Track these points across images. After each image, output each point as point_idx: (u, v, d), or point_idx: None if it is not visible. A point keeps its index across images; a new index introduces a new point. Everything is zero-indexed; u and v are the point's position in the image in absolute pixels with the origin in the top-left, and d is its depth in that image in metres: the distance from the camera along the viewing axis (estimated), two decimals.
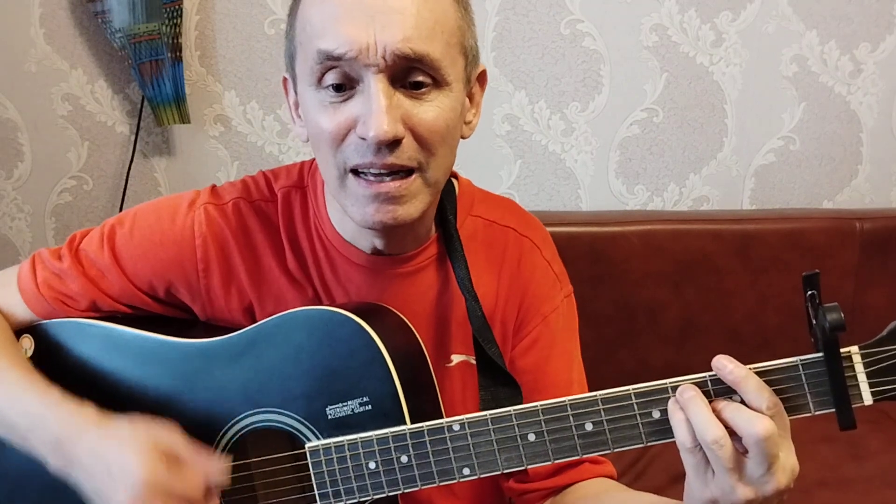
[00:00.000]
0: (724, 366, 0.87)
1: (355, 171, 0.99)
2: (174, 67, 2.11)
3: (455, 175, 1.22)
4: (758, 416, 0.83)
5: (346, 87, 0.96)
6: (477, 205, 1.22)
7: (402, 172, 0.99)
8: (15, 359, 1.09)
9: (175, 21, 2.08)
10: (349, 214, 1.04)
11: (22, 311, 1.15)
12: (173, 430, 0.99)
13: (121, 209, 2.23)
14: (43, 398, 1.03)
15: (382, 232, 1.08)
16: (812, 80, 2.24)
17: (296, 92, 1.06)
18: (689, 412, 0.86)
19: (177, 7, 2.07)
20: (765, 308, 2.13)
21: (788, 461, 0.85)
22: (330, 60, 0.95)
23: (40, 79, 2.18)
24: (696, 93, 2.23)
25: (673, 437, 0.89)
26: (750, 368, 0.88)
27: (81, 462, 0.97)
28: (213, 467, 0.98)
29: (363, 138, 0.95)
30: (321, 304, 1.15)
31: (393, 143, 0.95)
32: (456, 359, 1.17)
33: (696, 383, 0.89)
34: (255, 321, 1.14)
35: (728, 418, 0.85)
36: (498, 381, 1.09)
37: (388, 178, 0.98)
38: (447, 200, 1.17)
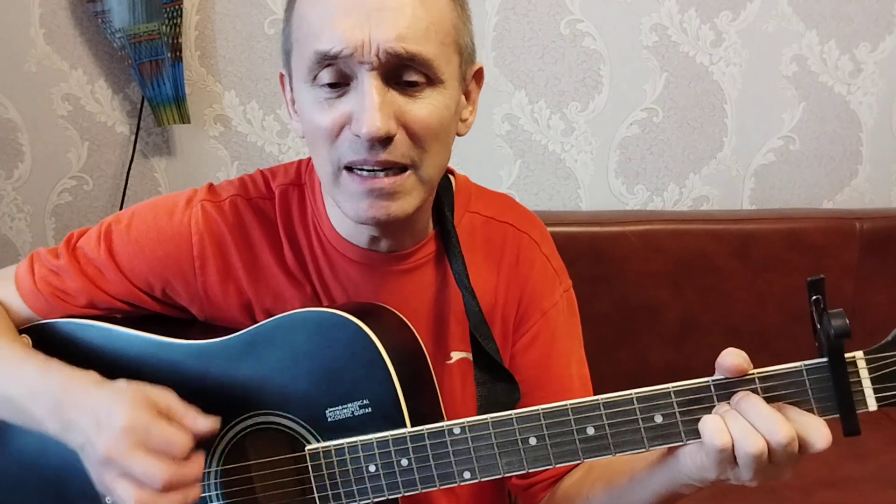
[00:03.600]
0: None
1: (349, 168, 0.99)
2: (174, 67, 2.11)
3: (451, 171, 1.22)
4: (781, 421, 0.84)
5: (340, 84, 0.97)
6: (474, 201, 1.22)
7: (396, 168, 0.99)
8: (14, 339, 1.10)
9: (175, 21, 2.07)
10: (343, 210, 1.04)
11: (19, 308, 1.15)
12: (169, 391, 0.99)
13: (121, 209, 2.23)
14: (43, 368, 1.03)
15: (377, 228, 1.08)
16: (812, 80, 2.24)
17: (292, 88, 1.06)
18: (733, 421, 0.86)
19: (177, 7, 2.06)
20: (765, 308, 2.13)
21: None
22: (326, 59, 0.95)
23: (40, 79, 2.18)
24: (696, 93, 2.23)
25: (675, 441, 0.89)
26: (754, 373, 0.88)
27: (77, 417, 0.97)
28: (202, 425, 0.97)
29: (357, 135, 0.95)
30: (320, 301, 1.15)
31: (386, 140, 0.96)
32: (455, 356, 1.17)
33: (698, 387, 0.89)
34: (253, 319, 1.14)
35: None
36: (495, 377, 1.09)
37: (381, 174, 0.98)
38: (444, 197, 1.17)
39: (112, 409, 0.94)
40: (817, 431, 0.84)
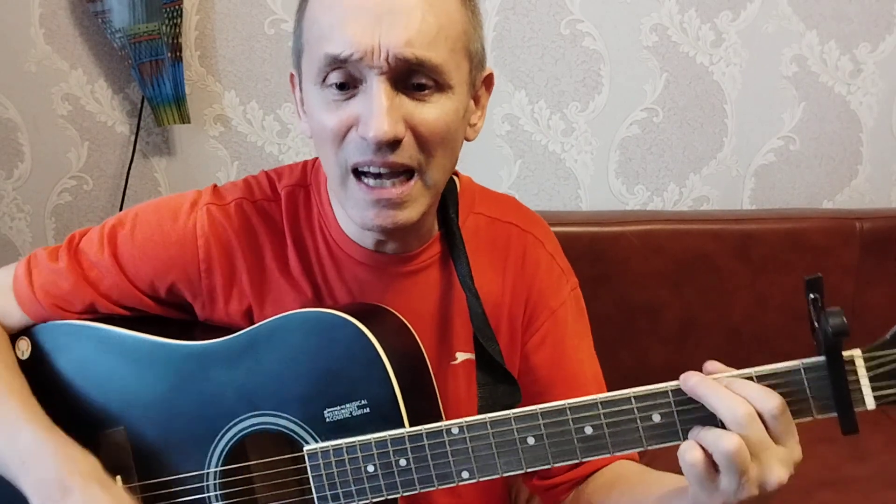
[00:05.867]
0: (687, 379, 0.88)
1: (356, 172, 1.00)
2: (174, 67, 2.11)
3: (455, 173, 1.22)
4: (725, 434, 0.84)
5: (349, 85, 0.97)
6: (478, 202, 1.22)
7: (403, 174, 0.99)
8: (12, 387, 1.09)
9: (175, 21, 2.07)
10: (349, 216, 1.05)
11: (18, 315, 1.15)
12: None
13: (121, 209, 2.23)
14: (44, 437, 1.03)
15: (383, 234, 1.08)
16: (812, 80, 2.23)
17: (301, 89, 1.07)
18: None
19: (177, 7, 2.06)
20: (765, 308, 2.12)
21: (794, 454, 0.86)
22: (336, 62, 0.95)
23: (40, 79, 2.18)
24: (696, 93, 2.22)
25: (673, 440, 0.89)
26: (752, 371, 0.87)
27: None
28: None
29: (364, 138, 0.95)
30: (322, 303, 1.15)
31: (393, 143, 0.96)
32: (461, 357, 1.17)
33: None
34: (252, 324, 1.13)
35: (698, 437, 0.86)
36: (496, 379, 1.09)
37: (388, 183, 0.99)
38: (449, 198, 1.17)
39: None
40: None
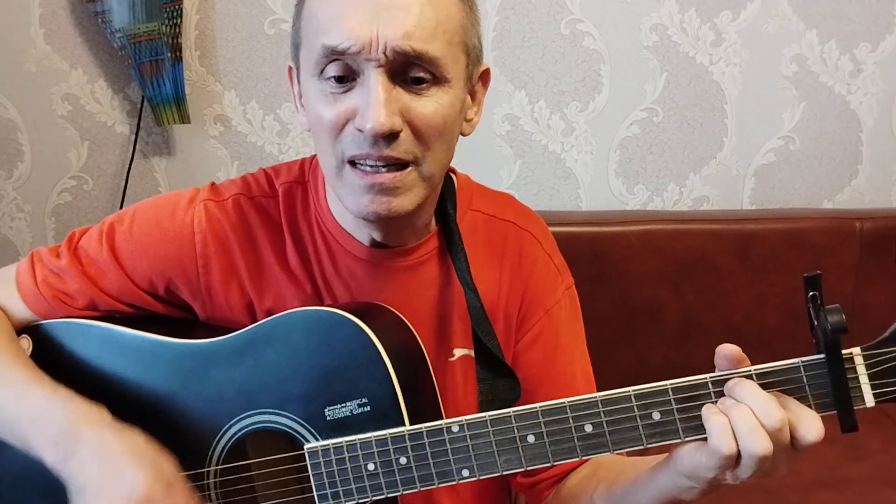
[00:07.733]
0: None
1: (353, 163, 1.00)
2: (174, 67, 2.11)
3: (453, 170, 1.22)
4: (774, 404, 0.85)
5: (347, 78, 0.98)
6: (476, 199, 1.22)
7: (398, 165, 0.99)
8: (17, 356, 1.09)
9: (175, 21, 2.08)
10: (345, 204, 1.04)
11: (20, 310, 1.15)
12: (177, 467, 1.01)
13: (121, 209, 2.23)
14: (51, 395, 1.03)
15: (378, 224, 1.08)
16: (812, 80, 2.23)
17: (299, 82, 1.07)
18: (738, 419, 0.86)
19: (177, 7, 2.07)
20: (765, 308, 2.13)
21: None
22: (334, 54, 0.96)
23: (40, 79, 2.18)
24: (696, 92, 2.23)
25: (673, 438, 0.89)
26: (751, 369, 0.88)
27: (84, 455, 0.97)
28: None
29: (361, 130, 0.96)
30: (320, 299, 1.15)
31: (390, 136, 0.96)
32: (458, 353, 1.17)
33: (695, 384, 0.89)
34: (254, 319, 1.14)
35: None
36: (496, 373, 1.09)
37: (384, 170, 0.99)
38: (447, 195, 1.17)
39: (134, 471, 0.96)
40: (810, 424, 0.85)
